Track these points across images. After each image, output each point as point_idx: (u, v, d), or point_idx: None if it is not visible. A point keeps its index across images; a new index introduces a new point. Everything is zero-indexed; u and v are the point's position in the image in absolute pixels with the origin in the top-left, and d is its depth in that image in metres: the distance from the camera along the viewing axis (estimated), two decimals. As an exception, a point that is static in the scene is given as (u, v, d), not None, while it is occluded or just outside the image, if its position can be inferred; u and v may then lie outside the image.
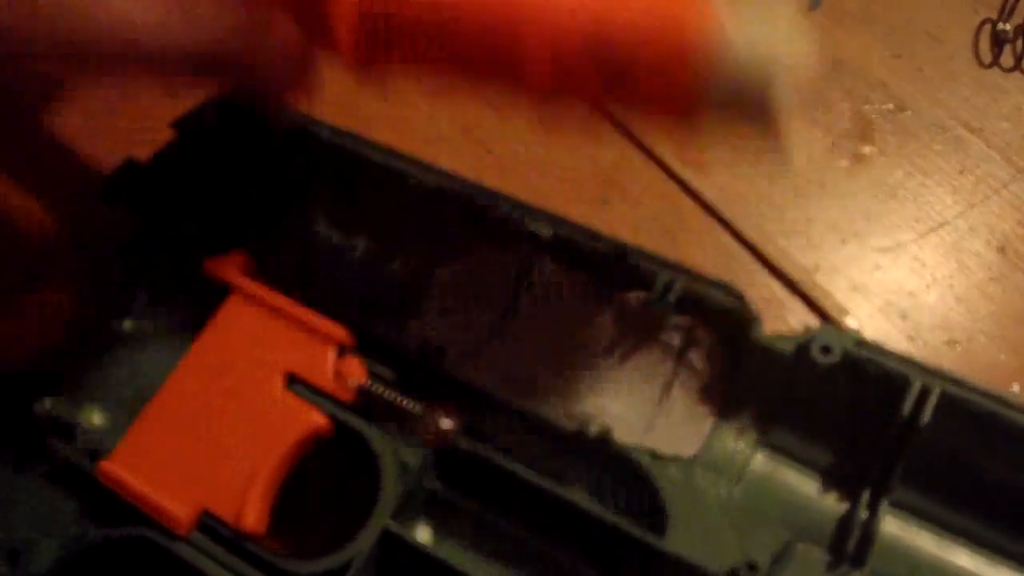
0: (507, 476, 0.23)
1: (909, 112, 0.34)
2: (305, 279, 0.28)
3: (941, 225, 0.32)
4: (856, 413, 0.23)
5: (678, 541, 0.22)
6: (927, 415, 0.21)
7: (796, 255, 0.32)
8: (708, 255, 0.32)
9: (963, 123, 0.34)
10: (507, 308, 0.27)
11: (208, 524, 0.23)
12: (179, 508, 0.23)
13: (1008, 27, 0.36)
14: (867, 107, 0.35)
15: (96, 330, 0.27)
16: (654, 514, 0.22)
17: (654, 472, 0.23)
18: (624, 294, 0.26)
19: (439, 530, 0.24)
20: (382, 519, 0.23)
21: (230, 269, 0.27)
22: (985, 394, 0.22)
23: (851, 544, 0.22)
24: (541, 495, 0.23)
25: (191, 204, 0.28)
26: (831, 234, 0.32)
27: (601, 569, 0.23)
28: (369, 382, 0.25)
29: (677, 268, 0.24)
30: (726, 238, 0.32)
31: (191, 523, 0.23)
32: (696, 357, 0.25)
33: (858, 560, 0.21)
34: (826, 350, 0.23)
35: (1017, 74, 0.35)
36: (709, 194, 0.33)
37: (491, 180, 0.33)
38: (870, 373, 0.22)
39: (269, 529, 0.23)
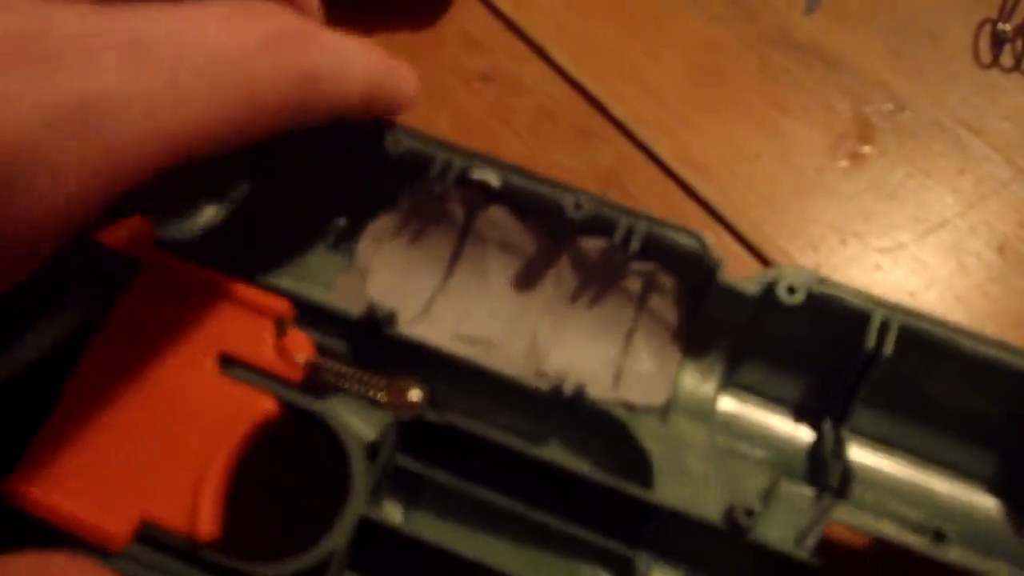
0: (482, 443, 0.22)
1: (909, 112, 0.34)
2: (221, 247, 0.25)
3: (941, 225, 0.32)
4: (820, 348, 0.24)
5: (667, 491, 0.22)
6: (889, 346, 0.22)
7: (796, 255, 0.32)
8: (708, 255, 0.32)
9: (963, 123, 0.34)
10: (452, 261, 0.26)
11: (151, 535, 0.20)
12: (112, 522, 0.20)
13: (1008, 27, 0.36)
14: (867, 107, 0.35)
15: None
16: (637, 467, 0.22)
17: (632, 424, 0.23)
18: (581, 241, 0.25)
19: (409, 506, 0.23)
20: (357, 507, 0.21)
21: (135, 240, 0.23)
22: (941, 324, 0.23)
23: (832, 477, 0.22)
24: (520, 459, 0.22)
25: None
26: (831, 234, 0.32)
27: (589, 528, 0.22)
28: (319, 357, 0.22)
29: (637, 214, 0.24)
30: (726, 238, 0.32)
31: (128, 537, 0.20)
32: (658, 303, 0.25)
33: (840, 492, 0.22)
34: (791, 290, 0.23)
35: (1017, 74, 0.35)
36: (709, 194, 0.33)
37: (491, 180, 0.33)
38: (833, 309, 0.23)
39: (226, 531, 0.21)
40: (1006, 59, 0.35)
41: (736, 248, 0.32)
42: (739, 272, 0.31)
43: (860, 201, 0.33)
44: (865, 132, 0.34)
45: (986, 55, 0.36)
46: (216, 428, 0.21)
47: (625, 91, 0.35)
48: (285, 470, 0.25)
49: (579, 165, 0.33)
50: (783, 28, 0.36)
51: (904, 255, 0.32)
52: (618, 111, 0.34)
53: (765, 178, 0.33)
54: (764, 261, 0.31)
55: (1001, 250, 0.32)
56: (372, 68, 0.22)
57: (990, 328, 0.30)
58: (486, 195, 0.25)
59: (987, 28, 0.36)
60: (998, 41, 0.36)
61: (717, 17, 0.37)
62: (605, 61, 0.36)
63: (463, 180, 0.24)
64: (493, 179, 0.24)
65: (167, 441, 0.21)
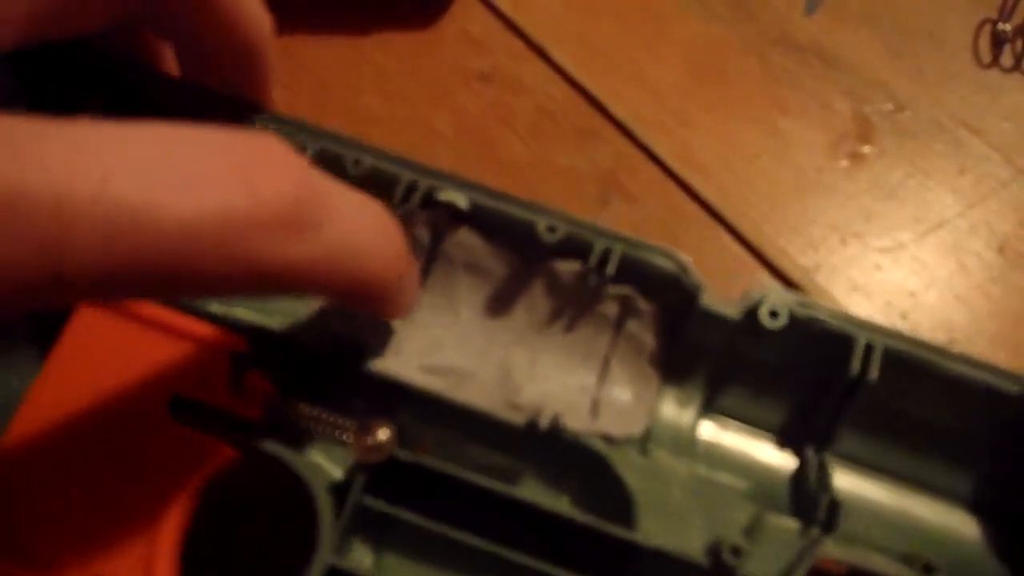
0: (450, 481, 0.21)
1: (909, 112, 0.34)
2: None
3: (941, 225, 0.32)
4: (804, 372, 0.23)
5: (649, 529, 0.21)
6: (874, 371, 0.22)
7: (796, 255, 0.32)
8: (708, 255, 0.32)
9: (963, 123, 0.34)
10: (420, 287, 0.24)
11: None
12: None
13: (1008, 27, 0.36)
14: (867, 107, 0.35)
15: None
16: (617, 503, 0.21)
17: (612, 458, 0.22)
18: (554, 265, 0.24)
19: (383, 549, 0.22)
20: (325, 556, 0.20)
21: None
22: (926, 347, 0.22)
23: (819, 509, 0.21)
24: (489, 498, 0.21)
25: None
26: (831, 234, 0.32)
27: (569, 568, 0.21)
28: (280, 398, 0.21)
29: (613, 236, 0.23)
30: (726, 238, 0.32)
31: None
32: (636, 328, 0.24)
33: (827, 524, 0.21)
34: (774, 314, 0.22)
35: (1017, 74, 0.35)
36: (709, 194, 0.33)
37: (491, 180, 0.33)
38: (816, 333, 0.22)
39: None
40: (1006, 59, 0.35)
41: (736, 248, 0.32)
42: (740, 273, 0.31)
43: (860, 201, 0.33)
44: (865, 132, 0.34)
45: (986, 55, 0.36)
46: (170, 477, 0.20)
47: (625, 91, 0.35)
48: (246, 517, 0.24)
49: (579, 165, 0.33)
50: (783, 28, 0.36)
51: (904, 255, 0.32)
52: (618, 111, 0.34)
53: (765, 178, 0.33)
54: (764, 261, 0.31)
55: (1001, 250, 0.32)
56: (381, 266, 0.18)
57: (991, 328, 0.30)
58: (454, 217, 0.23)
59: (987, 28, 0.36)
60: (998, 41, 0.36)
61: (717, 17, 0.37)
62: (605, 61, 0.36)
63: (429, 202, 0.23)
64: (461, 200, 0.23)
65: (118, 494, 0.20)
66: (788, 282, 0.31)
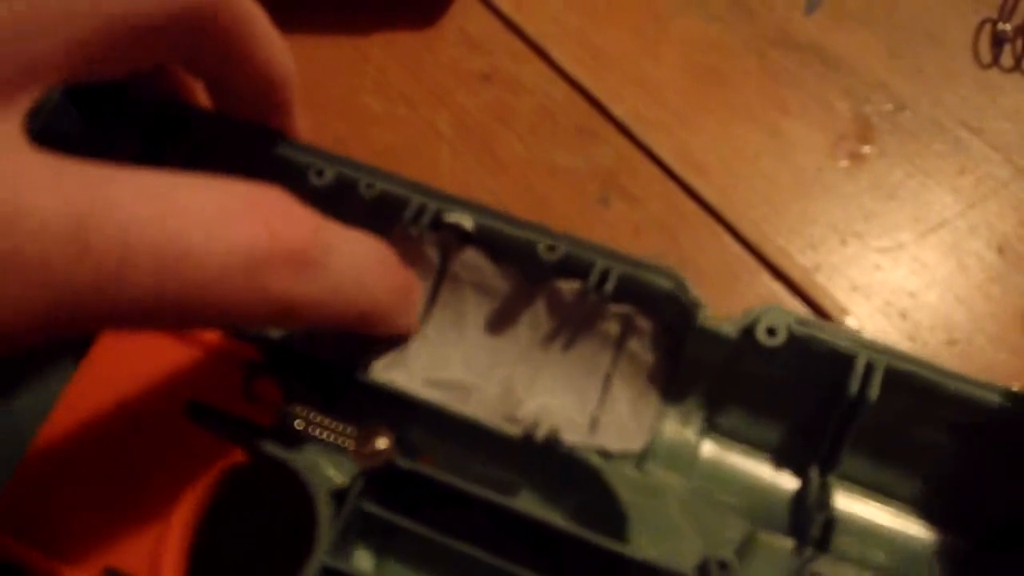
0: (449, 491, 0.21)
1: (909, 112, 0.34)
2: None
3: (941, 225, 0.32)
4: (802, 391, 0.23)
5: (642, 544, 0.21)
6: (875, 390, 0.21)
7: (796, 255, 0.32)
8: (708, 255, 0.32)
9: (963, 123, 0.34)
10: (428, 306, 0.25)
11: None
12: (76, 570, 0.20)
13: (1008, 27, 0.36)
14: (867, 107, 0.35)
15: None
16: (612, 517, 0.22)
17: (607, 473, 0.22)
18: (556, 284, 0.24)
19: (380, 555, 0.22)
20: (322, 556, 0.20)
21: None
22: (928, 367, 0.22)
23: (814, 528, 0.21)
24: (487, 508, 0.21)
25: None
26: (831, 234, 0.32)
27: None
28: (288, 405, 0.22)
29: (613, 254, 0.23)
30: (726, 238, 0.32)
31: None
32: (636, 346, 0.24)
33: (821, 543, 0.21)
34: (771, 332, 0.22)
35: (1017, 74, 0.35)
36: (709, 194, 0.33)
37: (490, 180, 0.33)
38: (815, 351, 0.22)
39: None
40: (1006, 59, 0.35)
41: (736, 248, 0.32)
42: (740, 273, 0.31)
43: (860, 201, 0.33)
44: (865, 132, 0.34)
45: (986, 55, 0.36)
46: (182, 475, 0.21)
47: (625, 91, 0.35)
48: (252, 518, 0.24)
49: (579, 165, 0.33)
50: (783, 28, 0.36)
51: (904, 255, 0.32)
52: (618, 111, 0.34)
53: (765, 178, 0.33)
54: (764, 261, 0.31)
55: (1001, 250, 0.32)
56: (382, 297, 0.20)
57: (991, 328, 0.30)
58: (461, 238, 0.24)
59: (987, 28, 0.36)
60: (998, 41, 0.36)
61: (717, 17, 0.37)
62: (605, 61, 0.36)
63: (438, 223, 0.24)
64: (467, 222, 0.24)
65: (133, 490, 0.21)
66: (788, 282, 0.31)
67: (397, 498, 0.22)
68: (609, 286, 0.23)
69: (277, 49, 0.23)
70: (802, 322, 0.22)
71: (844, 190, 0.33)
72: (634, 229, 0.32)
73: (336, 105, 0.35)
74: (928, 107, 0.34)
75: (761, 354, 0.23)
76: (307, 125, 0.26)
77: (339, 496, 0.21)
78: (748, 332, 0.23)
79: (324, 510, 0.21)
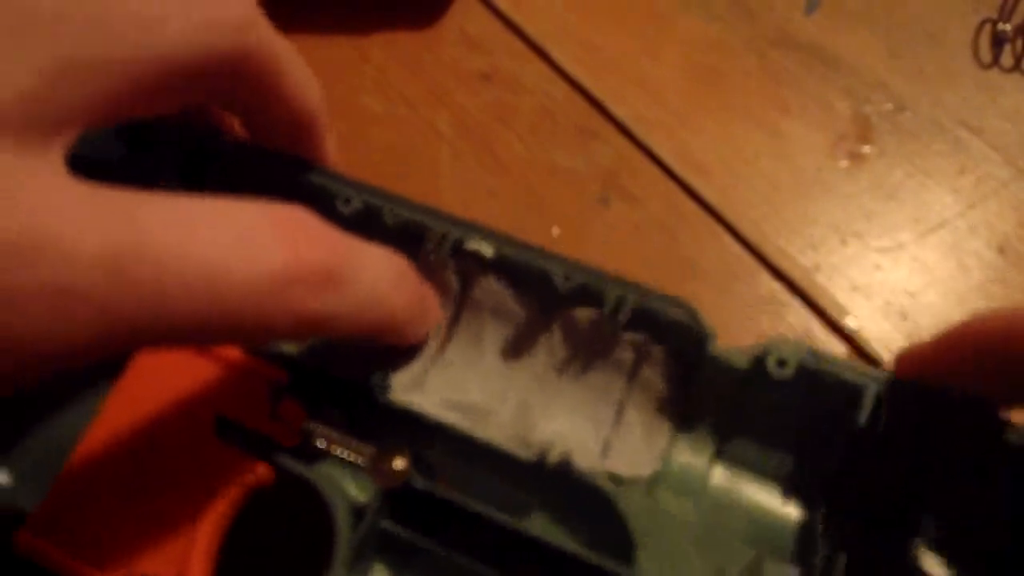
0: (464, 512, 0.22)
1: (909, 112, 0.34)
2: None
3: (941, 225, 0.32)
4: (812, 422, 0.23)
5: (650, 570, 0.21)
6: (884, 423, 0.22)
7: (796, 255, 0.32)
8: (708, 255, 0.32)
9: (963, 123, 0.34)
10: (449, 330, 0.26)
11: None
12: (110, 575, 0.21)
13: (1008, 27, 0.36)
14: (867, 107, 0.35)
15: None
16: (621, 542, 0.22)
17: (617, 497, 0.22)
18: (572, 312, 0.25)
19: (396, 572, 0.23)
20: (340, 571, 0.21)
21: None
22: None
23: (818, 559, 0.21)
24: (501, 530, 0.22)
25: None
26: (831, 234, 0.32)
27: None
28: (311, 423, 0.23)
29: (627, 284, 0.24)
30: (726, 238, 0.32)
31: None
32: (649, 374, 0.25)
33: (827, 572, 0.21)
34: (781, 363, 0.23)
35: (1017, 74, 0.35)
36: (709, 194, 0.33)
37: (490, 180, 0.33)
38: (825, 383, 0.23)
39: None
40: (1006, 59, 0.35)
41: (736, 248, 0.32)
42: (740, 273, 0.31)
43: (860, 201, 0.33)
44: (865, 132, 0.34)
45: (986, 55, 0.36)
46: (210, 489, 0.22)
47: (625, 91, 0.35)
48: (275, 532, 0.25)
49: (579, 165, 0.33)
50: (783, 28, 0.36)
51: (904, 255, 0.32)
52: (618, 111, 0.34)
53: (765, 178, 0.33)
54: (764, 261, 0.31)
55: (1001, 250, 0.32)
56: (399, 310, 0.21)
57: (990, 328, 0.30)
58: (481, 265, 0.25)
59: (987, 28, 0.36)
60: (998, 41, 0.36)
61: (717, 17, 0.37)
62: (605, 61, 0.36)
63: (458, 250, 0.25)
64: (487, 249, 0.25)
65: (164, 501, 0.22)
66: (788, 282, 0.31)
67: (415, 517, 0.23)
68: (623, 315, 0.23)
69: (307, 84, 0.23)
70: (813, 355, 0.23)
71: (844, 190, 0.33)
72: (634, 229, 0.32)
73: (336, 105, 0.35)
74: (928, 107, 0.34)
75: (771, 385, 0.23)
76: (334, 147, 0.27)
77: (358, 513, 0.22)
78: (759, 363, 0.23)
79: (343, 525, 0.22)
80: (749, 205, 0.32)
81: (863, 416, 0.22)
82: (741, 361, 0.23)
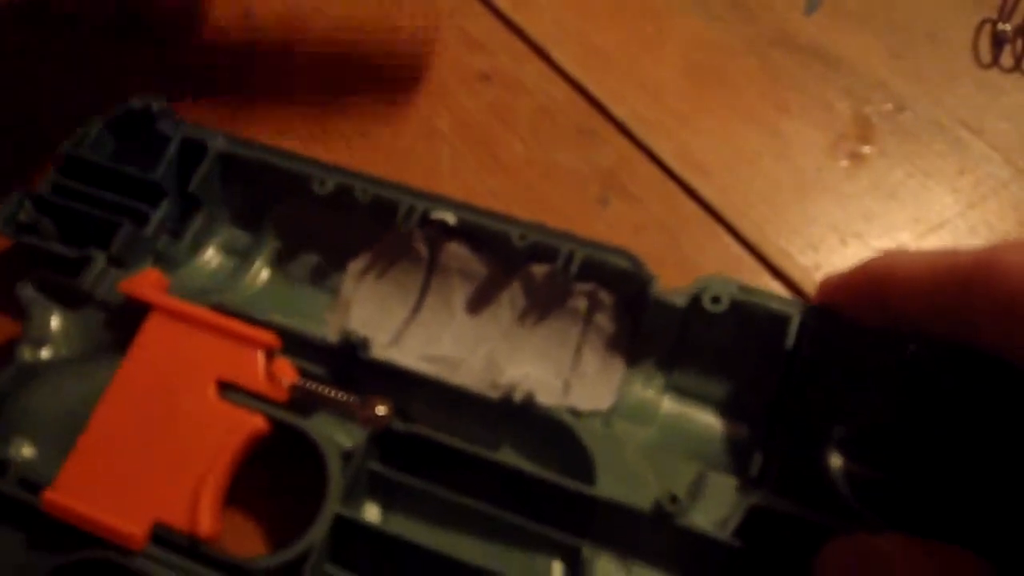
0: (443, 449, 0.25)
1: (909, 112, 0.34)
2: (223, 290, 0.29)
3: (941, 225, 0.32)
4: (747, 350, 0.26)
5: (606, 487, 0.24)
6: (807, 346, 0.25)
7: (796, 255, 0.32)
8: (708, 255, 0.32)
9: (963, 123, 0.34)
10: (421, 292, 0.29)
11: (162, 535, 0.24)
12: (131, 525, 0.23)
13: (1008, 27, 0.36)
14: (867, 107, 0.35)
15: (11, 363, 0.27)
16: (582, 467, 0.25)
17: (577, 428, 0.25)
18: (529, 267, 0.28)
19: (386, 508, 0.26)
20: (333, 506, 0.24)
21: (147, 288, 0.27)
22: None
23: (754, 467, 0.24)
24: (477, 462, 0.25)
25: (92, 228, 0.29)
26: (831, 234, 0.32)
27: (542, 523, 0.24)
28: (301, 380, 0.26)
29: (576, 239, 0.27)
30: (726, 238, 0.32)
31: (145, 537, 0.24)
32: (601, 318, 0.28)
33: (761, 478, 0.24)
34: (715, 299, 0.25)
35: (1017, 74, 0.35)
36: (709, 194, 0.33)
37: (490, 180, 0.33)
38: (756, 314, 0.26)
39: (223, 530, 0.24)
40: (1006, 59, 0.35)
41: (736, 248, 0.32)
42: (740, 273, 0.31)
43: (860, 201, 0.33)
44: (865, 132, 0.34)
45: (986, 55, 0.36)
46: (215, 443, 0.25)
47: (625, 91, 0.35)
48: (274, 477, 0.27)
49: (579, 165, 0.33)
50: (783, 28, 0.36)
51: (904, 255, 0.32)
52: (618, 111, 0.34)
53: (765, 178, 0.33)
54: (764, 261, 0.31)
55: (1001, 250, 0.32)
56: None
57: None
58: (446, 232, 0.28)
59: (987, 28, 0.36)
60: (998, 41, 0.36)
61: (717, 17, 0.37)
62: (605, 61, 0.36)
63: (425, 220, 0.28)
64: (450, 217, 0.28)
65: (175, 455, 0.25)
66: (788, 282, 0.31)
67: (399, 458, 0.26)
68: (574, 267, 0.27)
69: None
70: (743, 289, 0.26)
71: (844, 190, 0.33)
72: (634, 229, 0.32)
73: (336, 104, 0.35)
74: (928, 107, 0.34)
75: (709, 319, 0.26)
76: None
77: (347, 456, 0.25)
78: (696, 300, 0.26)
79: (334, 468, 0.24)
80: (749, 205, 0.32)
81: (789, 341, 0.25)
82: (680, 300, 0.26)
